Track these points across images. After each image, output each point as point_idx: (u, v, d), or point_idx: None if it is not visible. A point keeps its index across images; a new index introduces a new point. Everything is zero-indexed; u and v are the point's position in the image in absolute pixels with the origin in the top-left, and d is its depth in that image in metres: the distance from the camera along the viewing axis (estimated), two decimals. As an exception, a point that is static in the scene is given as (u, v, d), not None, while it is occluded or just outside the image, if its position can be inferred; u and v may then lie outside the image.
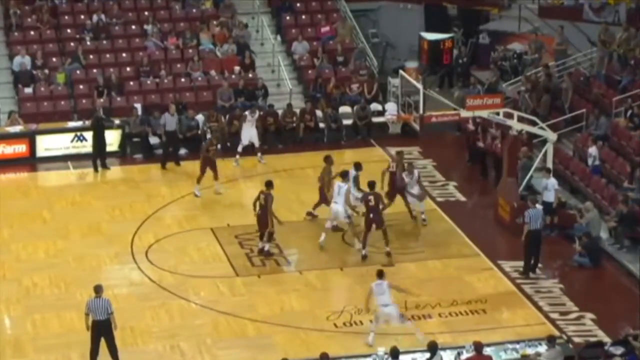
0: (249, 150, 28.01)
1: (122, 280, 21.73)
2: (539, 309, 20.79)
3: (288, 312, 20.61)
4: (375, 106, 30.62)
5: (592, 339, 19.45)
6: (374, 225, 22.33)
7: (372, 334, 19.13)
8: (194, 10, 33.16)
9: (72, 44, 31.44)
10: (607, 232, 23.54)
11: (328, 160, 24.12)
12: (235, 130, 28.42)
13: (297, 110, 29.57)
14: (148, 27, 32.06)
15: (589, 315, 20.51)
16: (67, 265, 22.35)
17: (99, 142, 27.54)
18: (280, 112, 29.46)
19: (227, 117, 29.12)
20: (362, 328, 19.89)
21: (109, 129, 28.07)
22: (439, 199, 25.91)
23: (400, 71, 29.48)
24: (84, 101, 30.03)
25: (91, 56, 31.25)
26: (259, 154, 28.07)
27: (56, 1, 32.62)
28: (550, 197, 23.79)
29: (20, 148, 28.12)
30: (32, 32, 31.72)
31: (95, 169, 27.50)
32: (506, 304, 20.91)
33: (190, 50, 31.71)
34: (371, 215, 22.27)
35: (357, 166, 23.95)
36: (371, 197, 22.30)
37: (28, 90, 30.07)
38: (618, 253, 22.98)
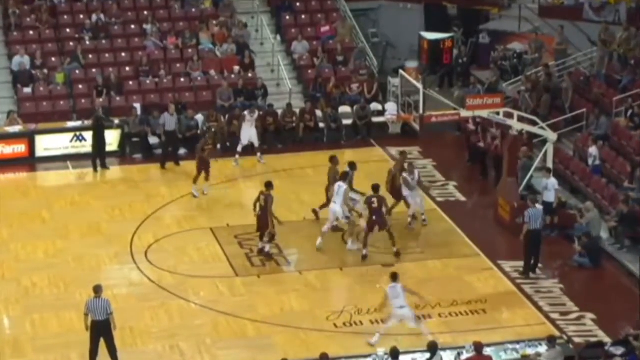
0: (249, 150, 27.98)
1: (121, 281, 21.71)
2: (539, 309, 20.77)
3: (288, 312, 20.58)
4: (375, 106, 30.60)
5: (593, 339, 19.44)
6: (376, 227, 22.31)
7: (377, 334, 19.09)
8: (194, 10, 33.14)
9: (71, 43, 31.42)
10: (607, 232, 23.52)
11: (334, 160, 24.08)
12: (235, 130, 28.38)
13: (297, 110, 29.55)
14: (147, 27, 32.03)
15: (590, 315, 20.50)
16: (67, 265, 22.34)
17: (99, 142, 27.51)
18: (279, 112, 29.42)
19: (227, 117, 29.10)
20: (362, 328, 19.89)
21: (109, 128, 28.03)
22: (439, 199, 25.88)
23: (400, 71, 29.46)
24: (83, 101, 30.00)
25: (90, 56, 31.22)
26: (258, 154, 28.04)
27: (55, 1, 32.59)
28: (550, 197, 23.76)
29: (20, 148, 28.10)
30: (31, 32, 31.69)
31: (95, 169, 27.47)
32: (506, 304, 20.89)
33: (190, 50, 31.68)
34: (374, 217, 22.24)
35: (352, 166, 23.89)
36: (374, 200, 22.28)
37: (27, 90, 30.05)
38: (618, 253, 22.96)
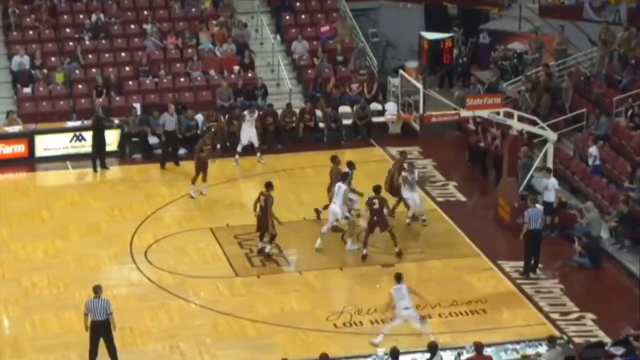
0: (249, 150, 27.95)
1: (121, 281, 21.68)
2: (539, 309, 20.74)
3: (288, 312, 20.56)
4: (375, 106, 30.57)
5: (593, 340, 19.41)
6: (377, 229, 22.30)
7: (381, 335, 19.05)
8: (193, 10, 33.10)
9: (71, 43, 31.38)
10: (607, 232, 23.49)
11: (335, 160, 24.06)
12: (235, 130, 28.35)
13: (297, 110, 29.51)
14: (147, 27, 31.99)
15: (590, 315, 20.47)
16: (66, 265, 22.30)
17: (99, 142, 27.48)
18: (279, 111, 29.39)
19: (227, 117, 29.07)
20: (362, 328, 19.87)
21: (109, 128, 28.00)
22: (439, 199, 25.85)
23: (400, 71, 29.46)
24: (82, 101, 29.97)
25: (90, 56, 31.19)
26: (258, 154, 28.01)
27: (55, 1, 32.55)
28: (550, 197, 23.74)
29: (19, 148, 28.06)
30: (30, 32, 31.65)
31: (95, 169, 27.44)
32: (506, 304, 20.87)
33: (190, 50, 31.65)
34: (375, 218, 22.21)
35: (350, 166, 23.85)
36: (375, 201, 22.26)
37: (27, 90, 30.02)
38: (618, 253, 22.93)
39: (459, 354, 18.14)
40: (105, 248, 23.01)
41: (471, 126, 27.76)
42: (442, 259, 22.64)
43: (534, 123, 24.74)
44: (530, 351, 18.33)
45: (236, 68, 31.21)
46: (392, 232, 22.51)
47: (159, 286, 21.48)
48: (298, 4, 33.84)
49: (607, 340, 19.21)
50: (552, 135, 24.46)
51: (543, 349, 18.25)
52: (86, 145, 27.96)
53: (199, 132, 28.18)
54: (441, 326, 19.81)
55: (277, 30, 33.16)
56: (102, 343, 18.35)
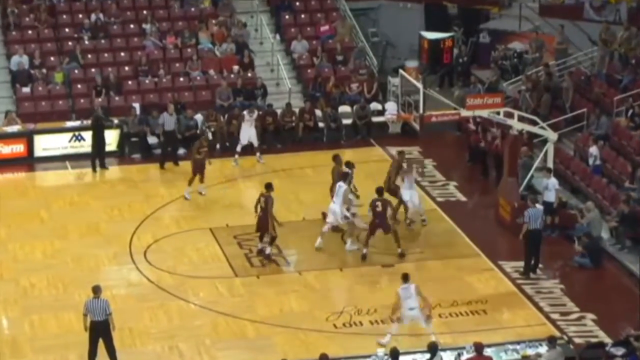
0: (248, 150, 27.90)
1: (120, 281, 21.64)
2: (540, 309, 20.71)
3: (287, 312, 20.52)
4: (375, 105, 30.54)
5: (593, 340, 19.37)
6: (378, 231, 22.25)
7: (388, 335, 18.99)
8: (193, 9, 33.06)
9: (70, 43, 31.33)
10: (608, 233, 23.46)
11: (337, 159, 24.01)
12: (234, 130, 28.30)
13: (296, 110, 29.47)
14: (146, 26, 31.95)
15: (590, 315, 20.44)
16: (65, 265, 22.26)
17: (99, 142, 27.44)
18: (279, 111, 29.35)
19: (226, 116, 29.02)
20: (361, 329, 19.84)
21: (109, 128, 27.95)
22: (439, 199, 25.81)
23: (400, 70, 29.37)
24: (82, 101, 29.92)
25: (89, 55, 31.14)
26: (257, 154, 27.97)
27: (54, 0, 32.48)
28: (551, 197, 23.69)
29: (18, 148, 28.02)
30: (29, 31, 31.59)
31: (94, 169, 27.39)
32: (507, 305, 20.85)
33: (189, 50, 31.61)
34: (377, 221, 22.18)
35: (349, 165, 23.80)
36: (378, 203, 22.22)
37: (26, 89, 29.98)
38: (619, 253, 22.89)
39: (459, 355, 18.10)
40: (105, 248, 22.96)
41: (472, 126, 27.73)
42: (442, 259, 22.60)
43: (534, 123, 24.71)
44: (530, 352, 18.28)
45: (235, 68, 31.16)
46: (397, 232, 22.45)
47: (158, 286, 21.43)
48: (297, 3, 33.79)
49: (607, 340, 19.16)
50: (553, 135, 24.42)
51: (543, 349, 18.18)
52: (85, 145, 27.92)
53: (198, 132, 28.13)
54: (441, 326, 19.76)
55: (277, 30, 33.12)
56: (101, 344, 18.31)
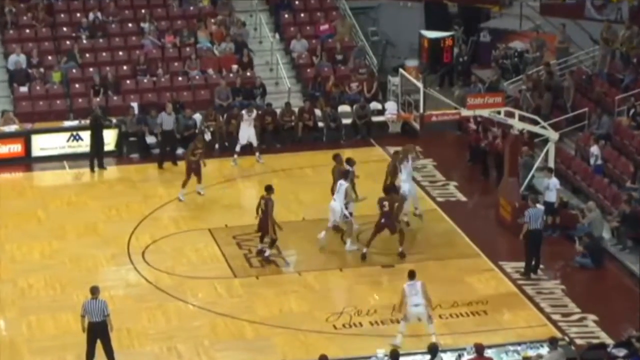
0: (247, 149, 27.82)
1: (118, 282, 21.58)
2: (541, 310, 20.65)
3: (287, 313, 20.45)
4: (374, 105, 30.47)
5: (595, 341, 19.31)
6: (385, 230, 22.17)
7: (399, 335, 18.91)
8: (192, 8, 33.00)
9: (67, 42, 31.25)
10: (609, 233, 23.40)
11: (337, 159, 23.93)
12: (233, 129, 28.21)
13: (296, 109, 29.40)
14: (145, 25, 31.89)
15: (591, 316, 20.37)
16: (63, 266, 22.21)
17: (97, 141, 27.38)
18: (278, 111, 29.28)
19: (225, 116, 28.94)
20: (362, 330, 19.77)
21: (107, 128, 27.85)
22: (439, 199, 25.75)
23: (400, 70, 29.37)
24: (80, 100, 29.84)
25: (87, 54, 31.05)
26: (257, 154, 27.89)
27: (52, -1, 32.47)
28: (552, 197, 23.63)
29: (16, 148, 27.96)
30: (27, 30, 31.51)
31: (92, 169, 27.30)
32: (507, 306, 20.78)
33: (188, 49, 31.52)
34: (383, 220, 22.10)
35: (350, 162, 23.74)
36: (385, 203, 22.16)
37: (23, 89, 29.90)
38: (620, 254, 22.83)
39: (459, 356, 18.00)
40: (103, 249, 22.90)
41: (472, 125, 27.66)
42: (442, 260, 22.52)
43: (536, 122, 24.66)
44: (531, 353, 18.17)
45: (235, 67, 31.08)
46: (402, 233, 22.39)
47: (157, 287, 21.37)
48: (297, 2, 33.73)
49: (609, 341, 19.08)
50: (554, 135, 24.37)
51: (544, 350, 18.07)
52: (83, 145, 27.87)
53: (196, 131, 28.06)
54: (442, 327, 19.66)
55: (276, 29, 33.04)
56: (99, 345, 18.24)
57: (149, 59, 30.99)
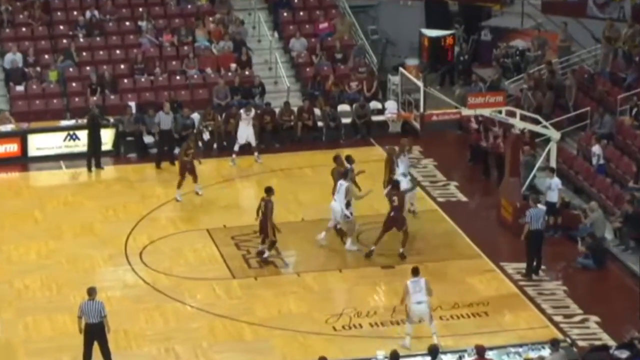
0: (246, 149, 27.72)
1: (115, 282, 21.52)
2: (542, 311, 20.59)
3: (286, 314, 20.38)
4: (374, 104, 30.37)
5: (597, 343, 19.23)
6: (394, 227, 22.10)
7: (407, 337, 18.83)
8: (189, 7, 32.91)
9: (64, 40, 31.15)
10: (611, 233, 23.35)
11: (337, 160, 23.84)
12: (232, 129, 28.09)
13: (295, 109, 29.32)
14: (142, 24, 31.80)
15: (594, 318, 20.31)
16: (60, 266, 22.14)
17: (94, 141, 27.28)
18: (277, 110, 29.18)
19: (224, 115, 28.83)
20: (361, 331, 19.72)
21: (105, 127, 27.73)
22: (440, 199, 25.69)
23: (401, 69, 29.37)
24: (76, 99, 29.76)
25: (84, 53, 30.95)
26: (255, 154, 27.78)
27: (48, -3, 32.32)
28: (553, 197, 23.58)
29: (12, 147, 27.87)
30: (23, 29, 31.40)
31: (89, 169, 27.19)
32: (509, 307, 20.72)
33: (186, 47, 31.41)
34: (392, 214, 22.03)
35: (349, 160, 23.68)
36: (395, 198, 22.07)
37: (20, 88, 29.79)
38: (623, 254, 22.78)
39: (460, 357, 17.93)
40: (100, 249, 22.84)
41: (473, 125, 27.56)
42: (443, 261, 22.43)
43: (537, 122, 24.57)
44: (533, 354, 18.07)
45: (233, 66, 30.96)
46: (407, 232, 22.29)
47: (154, 288, 21.29)
48: (296, 0, 33.60)
49: (611, 343, 18.99)
50: (555, 134, 24.31)
51: (546, 352, 17.95)
52: (80, 144, 27.79)
53: (194, 131, 27.93)
54: (442, 329, 19.57)
55: (275, 27, 32.93)
56: (96, 346, 18.17)
57: (146, 58, 30.89)
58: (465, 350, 17.99)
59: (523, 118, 24.41)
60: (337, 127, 29.40)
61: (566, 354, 17.90)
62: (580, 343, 19.27)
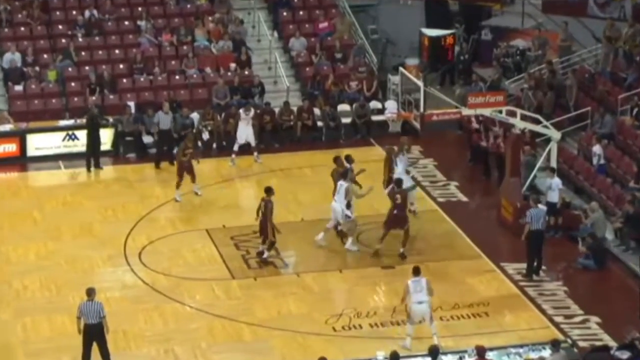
0: (245, 149, 27.67)
1: (114, 283, 21.48)
2: (543, 312, 20.56)
3: (285, 315, 20.34)
4: (374, 104, 30.33)
5: (598, 343, 19.20)
6: (396, 225, 22.06)
7: (408, 338, 18.79)
8: (189, 6, 32.87)
9: (63, 40, 31.10)
10: (612, 233, 23.31)
11: (338, 161, 23.80)
12: (231, 128, 28.04)
13: (295, 109, 29.28)
14: (142, 23, 31.75)
15: (594, 318, 20.28)
16: (59, 267, 22.11)
17: (94, 141, 27.24)
18: (277, 110, 29.13)
19: (223, 115, 28.78)
20: (361, 332, 19.68)
21: (104, 127, 27.69)
22: (440, 200, 25.64)
23: (401, 68, 29.33)
24: (75, 99, 29.72)
25: (83, 53, 30.90)
26: (255, 153, 27.73)
27: (47, -3, 32.27)
28: (554, 197, 23.54)
29: (10, 147, 27.82)
30: (22, 28, 31.36)
31: (88, 169, 27.15)
32: (509, 307, 20.68)
33: (185, 47, 31.36)
34: (395, 212, 21.98)
35: (348, 159, 23.66)
36: (398, 196, 22.04)
37: (18, 87, 29.75)
38: (624, 254, 22.74)
39: (460, 358, 17.90)
40: (99, 250, 22.79)
41: (474, 125, 27.52)
42: (443, 261, 22.38)
43: (538, 121, 24.53)
44: (533, 355, 18.05)
45: (232, 65, 30.91)
46: (408, 231, 22.25)
47: (154, 289, 21.24)
48: (296, 0, 33.49)
49: (612, 344, 18.94)
50: (556, 134, 24.27)
51: (547, 353, 17.93)
52: (79, 144, 27.73)
53: (194, 130, 27.88)
54: (443, 329, 19.53)
55: (275, 27, 32.89)
56: (95, 347, 18.13)
57: (145, 58, 30.85)
58: (465, 351, 17.96)
59: (523, 118, 24.38)
60: (337, 127, 29.35)
61: (567, 354, 17.85)
62: (581, 344, 19.23)
